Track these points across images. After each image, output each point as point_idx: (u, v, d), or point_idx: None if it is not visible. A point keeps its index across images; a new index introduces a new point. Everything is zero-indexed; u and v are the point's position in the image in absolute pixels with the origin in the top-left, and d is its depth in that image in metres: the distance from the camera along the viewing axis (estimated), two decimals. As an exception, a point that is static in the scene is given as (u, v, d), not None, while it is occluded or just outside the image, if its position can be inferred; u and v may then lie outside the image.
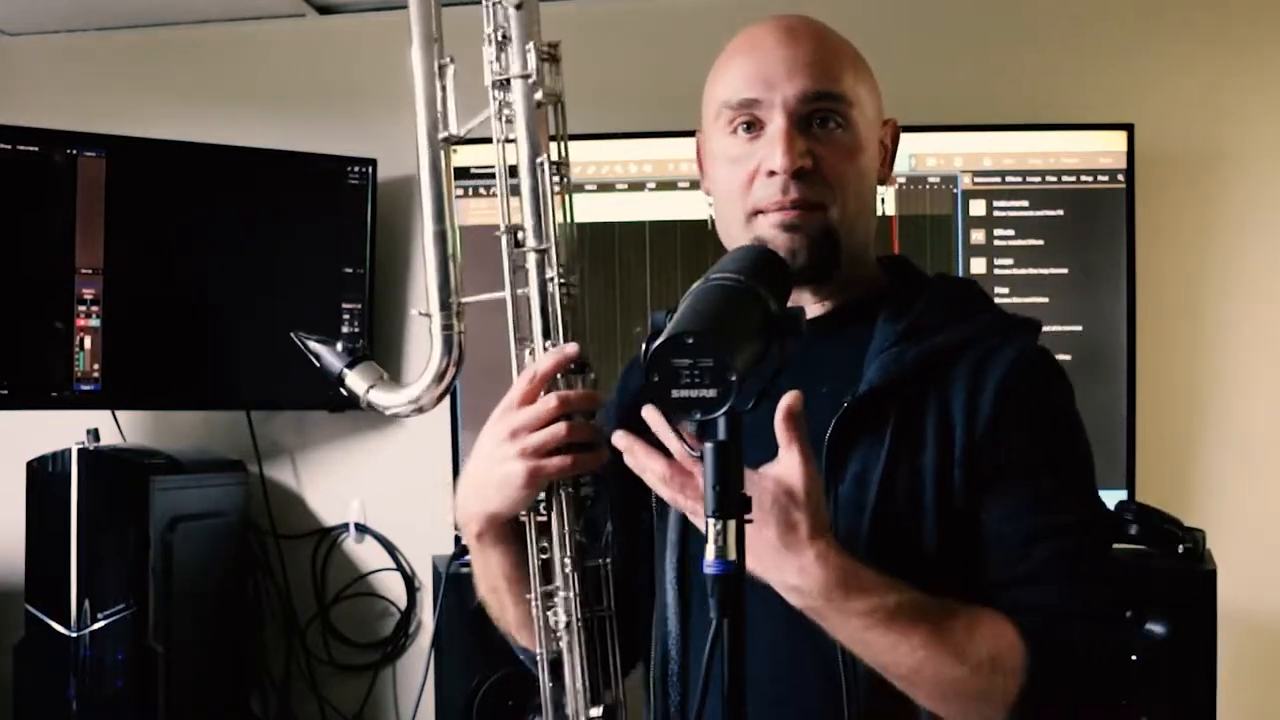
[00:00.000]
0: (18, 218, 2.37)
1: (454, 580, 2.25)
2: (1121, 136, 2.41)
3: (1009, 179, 2.43)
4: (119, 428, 2.57)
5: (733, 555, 0.89)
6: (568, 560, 1.03)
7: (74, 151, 2.39)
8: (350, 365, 1.10)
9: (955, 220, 2.43)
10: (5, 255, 2.36)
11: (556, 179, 1.04)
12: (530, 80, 1.03)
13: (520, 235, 1.05)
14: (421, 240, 1.09)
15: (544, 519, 1.04)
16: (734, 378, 0.88)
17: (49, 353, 2.37)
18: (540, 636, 1.05)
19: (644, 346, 0.91)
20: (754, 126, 1.10)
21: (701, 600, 1.10)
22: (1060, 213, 2.42)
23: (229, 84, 2.77)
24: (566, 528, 1.03)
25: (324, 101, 2.74)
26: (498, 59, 1.05)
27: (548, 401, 1.02)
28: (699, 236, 2.35)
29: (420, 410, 1.10)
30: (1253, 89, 2.53)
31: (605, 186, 2.49)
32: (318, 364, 1.12)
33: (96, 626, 2.16)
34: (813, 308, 1.15)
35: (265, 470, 2.70)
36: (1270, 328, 2.51)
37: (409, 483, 2.67)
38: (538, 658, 1.06)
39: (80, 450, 2.20)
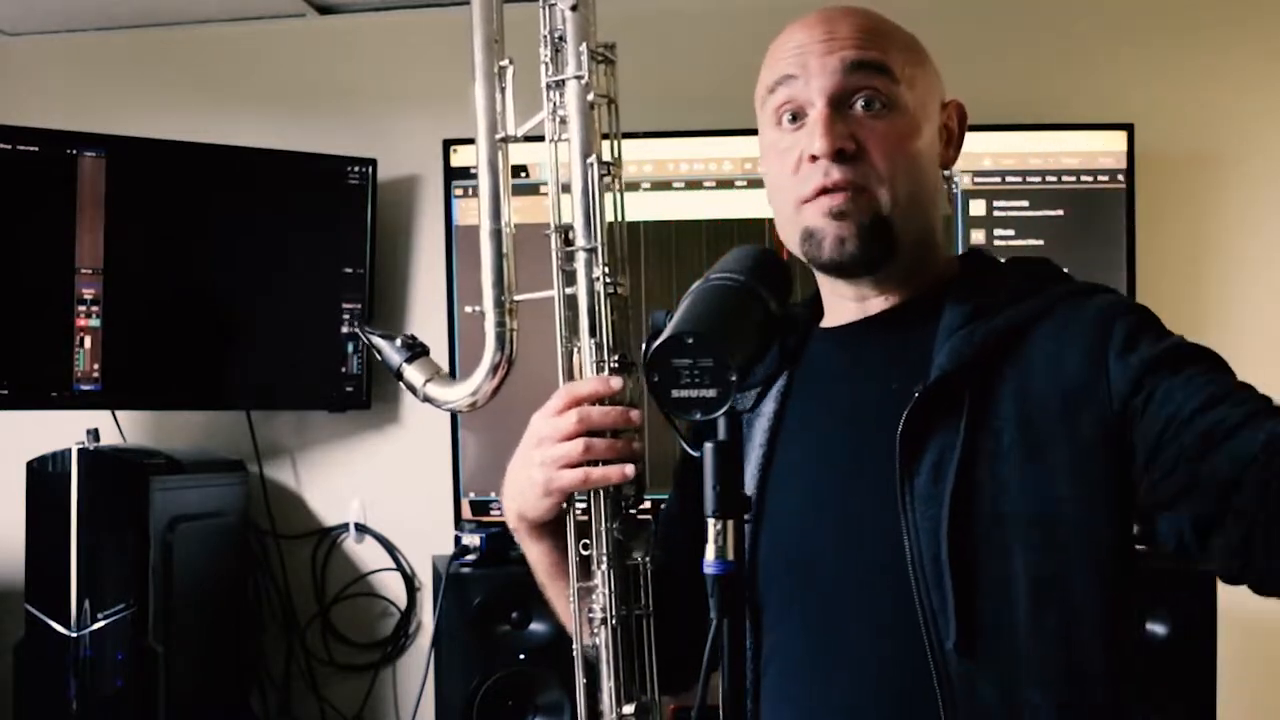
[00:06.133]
0: (18, 218, 2.37)
1: (454, 580, 2.25)
2: (1121, 136, 2.41)
3: (1009, 179, 2.43)
4: (119, 428, 2.57)
5: (732, 555, 0.89)
6: (604, 558, 1.03)
7: (74, 151, 2.39)
8: (409, 360, 1.13)
9: (955, 220, 2.43)
10: (5, 255, 2.36)
11: (606, 178, 1.04)
12: (583, 81, 1.04)
13: (570, 234, 1.05)
14: (478, 238, 1.10)
15: (584, 517, 1.05)
16: (734, 377, 0.88)
17: (49, 353, 2.37)
18: (577, 632, 1.05)
19: (644, 347, 0.91)
20: (798, 117, 1.07)
21: (775, 616, 1.08)
22: (1060, 213, 2.42)
23: (229, 84, 2.77)
24: (603, 525, 1.03)
25: (324, 101, 2.74)
26: (553, 60, 1.06)
27: (568, 418, 1.02)
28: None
29: (474, 406, 1.11)
30: (1252, 89, 2.54)
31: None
32: (379, 357, 1.15)
33: (96, 626, 2.16)
34: (877, 301, 1.11)
35: (265, 470, 2.70)
36: (1270, 327, 2.51)
37: (409, 483, 2.67)
38: (573, 653, 1.06)
39: (80, 450, 2.20)
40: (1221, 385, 0.93)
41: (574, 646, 1.05)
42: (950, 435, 0.99)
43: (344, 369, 2.58)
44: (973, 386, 1.00)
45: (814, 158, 1.04)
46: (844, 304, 1.13)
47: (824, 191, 1.04)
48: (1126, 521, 0.98)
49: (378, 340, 1.14)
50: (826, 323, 1.16)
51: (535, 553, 1.11)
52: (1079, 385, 0.97)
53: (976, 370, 1.00)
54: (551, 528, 1.07)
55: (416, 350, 1.13)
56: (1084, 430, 0.97)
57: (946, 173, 1.12)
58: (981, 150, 2.44)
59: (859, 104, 1.05)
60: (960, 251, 1.22)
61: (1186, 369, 0.95)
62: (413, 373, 1.12)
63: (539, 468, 1.03)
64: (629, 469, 1.01)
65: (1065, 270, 1.13)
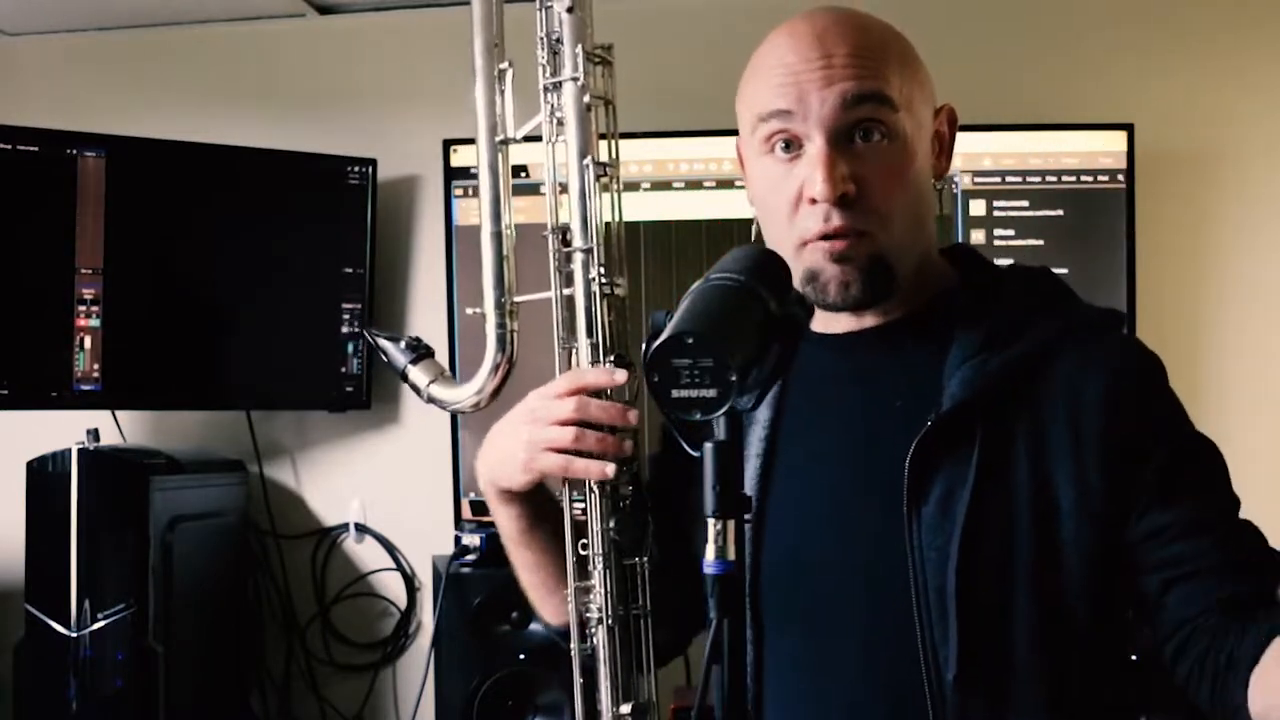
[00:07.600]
0: (18, 218, 2.37)
1: (454, 580, 2.25)
2: (1121, 136, 2.41)
3: (1009, 179, 2.43)
4: (119, 428, 2.57)
5: (732, 555, 0.89)
6: (599, 558, 1.03)
7: (74, 151, 2.39)
8: (414, 361, 1.14)
9: (955, 220, 2.43)
10: (5, 255, 2.36)
11: (604, 179, 1.05)
12: (579, 83, 1.05)
13: (567, 235, 1.06)
14: (479, 240, 1.12)
15: (582, 516, 1.05)
16: (733, 377, 0.88)
17: (49, 353, 2.37)
18: (574, 632, 1.05)
19: (644, 347, 0.91)
20: (792, 145, 1.05)
21: (776, 624, 1.08)
22: (1060, 213, 2.42)
23: (229, 84, 2.77)
24: (598, 525, 1.03)
25: (324, 101, 2.74)
26: (551, 62, 1.07)
27: (567, 403, 1.01)
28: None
29: (478, 406, 1.14)
30: (1253, 89, 2.54)
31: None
32: (385, 359, 1.17)
33: (96, 626, 2.16)
34: (873, 317, 1.10)
35: (265, 470, 2.70)
36: (1270, 327, 2.51)
37: (409, 483, 2.67)
38: (571, 654, 1.06)
39: (80, 450, 2.20)
40: (1209, 511, 1.01)
41: (571, 647, 1.05)
42: (961, 467, 1.00)
43: (344, 369, 2.58)
44: (985, 418, 1.00)
45: (814, 199, 1.02)
46: (837, 317, 1.13)
47: (825, 236, 1.03)
48: (1120, 561, 1.01)
49: (383, 342, 1.16)
50: (818, 328, 1.15)
51: (503, 516, 1.12)
52: (1084, 452, 0.99)
53: (989, 400, 1.00)
54: (522, 495, 1.08)
55: (421, 352, 1.14)
56: (1090, 481, 0.99)
57: (938, 185, 1.12)
58: (981, 150, 2.44)
59: (858, 136, 1.03)
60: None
61: (1181, 496, 1.00)
62: (418, 374, 1.14)
63: (524, 444, 1.03)
64: (609, 468, 1.00)
65: (1061, 273, 1.13)
